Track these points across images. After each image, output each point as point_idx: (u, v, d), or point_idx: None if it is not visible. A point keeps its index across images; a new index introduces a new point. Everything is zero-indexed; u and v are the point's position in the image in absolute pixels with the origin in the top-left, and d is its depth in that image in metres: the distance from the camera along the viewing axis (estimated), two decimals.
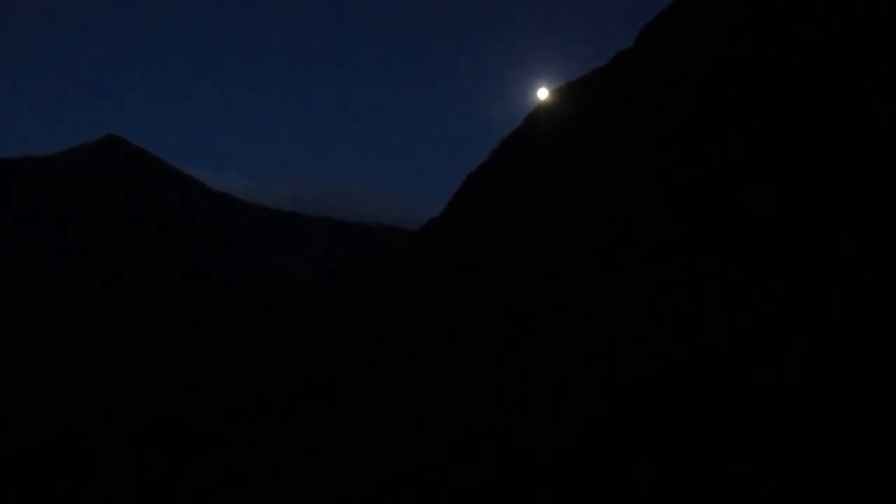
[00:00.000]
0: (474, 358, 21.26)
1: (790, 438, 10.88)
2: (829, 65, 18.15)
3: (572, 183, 25.74)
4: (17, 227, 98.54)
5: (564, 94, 35.31)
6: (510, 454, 14.97)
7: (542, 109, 36.39)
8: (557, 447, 13.99)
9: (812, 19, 19.96)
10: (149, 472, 29.26)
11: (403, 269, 34.67)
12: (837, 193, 14.85)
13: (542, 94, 37.27)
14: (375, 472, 18.56)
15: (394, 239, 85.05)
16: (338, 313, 37.34)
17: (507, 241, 26.22)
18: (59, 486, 32.78)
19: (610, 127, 26.78)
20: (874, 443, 10.01)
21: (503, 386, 18.36)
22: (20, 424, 44.49)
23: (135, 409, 43.16)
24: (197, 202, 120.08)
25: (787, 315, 13.12)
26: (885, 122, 15.32)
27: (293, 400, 27.71)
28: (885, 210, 13.51)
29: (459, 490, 15.03)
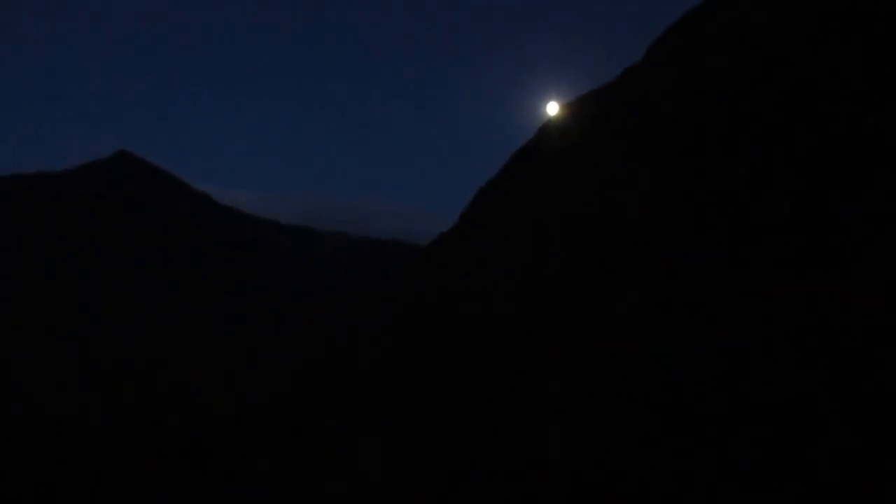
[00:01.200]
0: (487, 374, 21.18)
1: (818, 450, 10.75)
2: (842, 79, 18.08)
3: (583, 197, 25.68)
4: (30, 243, 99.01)
5: (575, 108, 35.28)
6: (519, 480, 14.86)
7: (552, 123, 36.37)
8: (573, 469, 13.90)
9: (826, 31, 19.90)
10: (159, 487, 29.28)
11: (413, 285, 34.62)
12: (851, 200, 14.75)
13: (553, 108, 37.26)
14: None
15: (405, 253, 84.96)
16: (349, 331, 37.31)
17: (518, 256, 26.15)
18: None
19: (621, 141, 26.73)
20: None
21: (520, 399, 18.28)
22: (32, 442, 44.56)
23: (144, 427, 43.19)
24: (208, 217, 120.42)
25: (804, 326, 13.01)
26: None
27: (301, 417, 27.67)
28: None
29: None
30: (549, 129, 36.03)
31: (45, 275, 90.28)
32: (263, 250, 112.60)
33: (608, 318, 18.24)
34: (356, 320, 38.64)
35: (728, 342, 13.87)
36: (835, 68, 18.61)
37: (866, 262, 13.12)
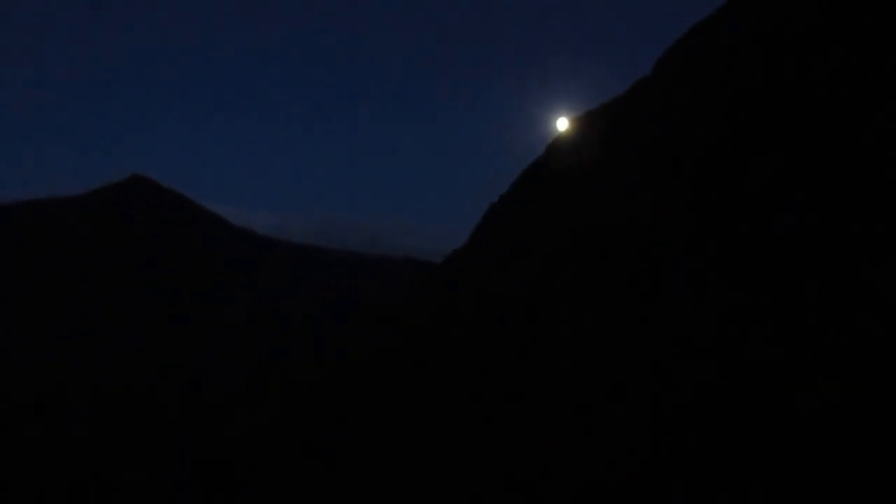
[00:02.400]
0: (496, 389, 20.92)
1: (830, 469, 10.43)
2: (858, 89, 17.84)
3: (595, 213, 25.47)
4: (44, 268, 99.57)
5: (584, 123, 35.15)
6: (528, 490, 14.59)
7: (562, 139, 36.26)
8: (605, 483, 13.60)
9: (838, 39, 19.68)
10: None
11: (424, 303, 34.43)
12: (868, 216, 14.46)
13: (562, 123, 37.14)
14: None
15: (417, 272, 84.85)
16: (361, 352, 37.14)
17: (529, 272, 25.92)
18: None
19: (632, 155, 26.54)
20: None
21: (532, 418, 18.01)
22: (45, 467, 44.48)
23: (165, 452, 43.06)
24: (222, 240, 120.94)
25: (819, 343, 12.70)
26: None
27: (313, 441, 27.45)
28: None
29: None
30: (558, 145, 35.91)
31: (58, 299, 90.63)
32: (276, 271, 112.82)
33: (620, 331, 17.95)
34: (368, 337, 38.45)
35: (746, 358, 13.56)
36: (848, 78, 18.37)
37: (887, 272, 12.81)
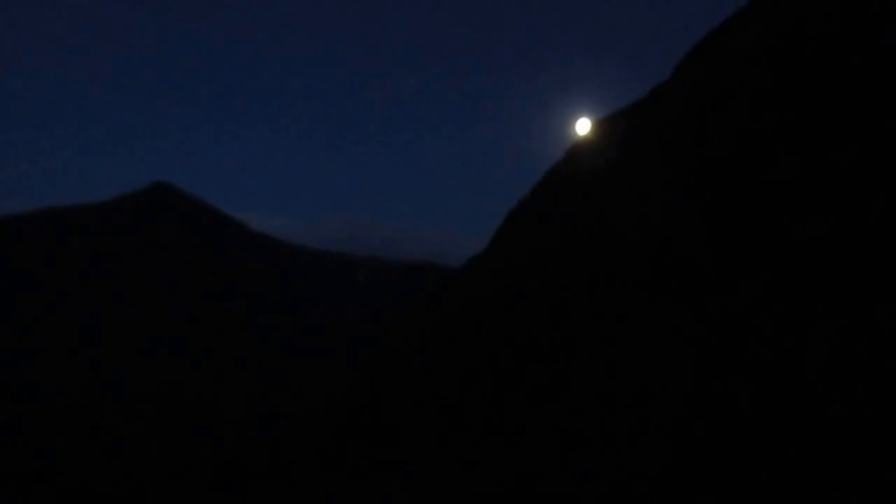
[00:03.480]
0: (519, 395, 20.79)
1: (860, 475, 10.24)
2: (882, 91, 17.58)
3: (616, 216, 25.30)
4: (68, 276, 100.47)
5: (605, 126, 34.97)
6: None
7: (582, 142, 36.09)
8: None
9: (860, 41, 19.42)
10: None
11: (442, 309, 34.35)
12: (892, 217, 14.22)
13: (582, 126, 36.96)
14: None
15: (437, 277, 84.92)
16: (386, 356, 37.11)
17: (550, 278, 25.78)
18: None
19: (653, 158, 26.35)
20: None
21: (555, 423, 17.86)
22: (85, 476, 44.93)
23: (195, 458, 43.31)
24: (245, 247, 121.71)
25: (842, 349, 12.50)
26: None
27: (344, 446, 27.42)
28: None
29: None
30: (579, 148, 35.74)
31: (81, 306, 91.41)
32: (296, 277, 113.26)
33: (646, 338, 17.78)
34: (390, 343, 38.42)
35: (772, 363, 13.37)
36: (871, 79, 18.12)
37: None
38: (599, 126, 35.77)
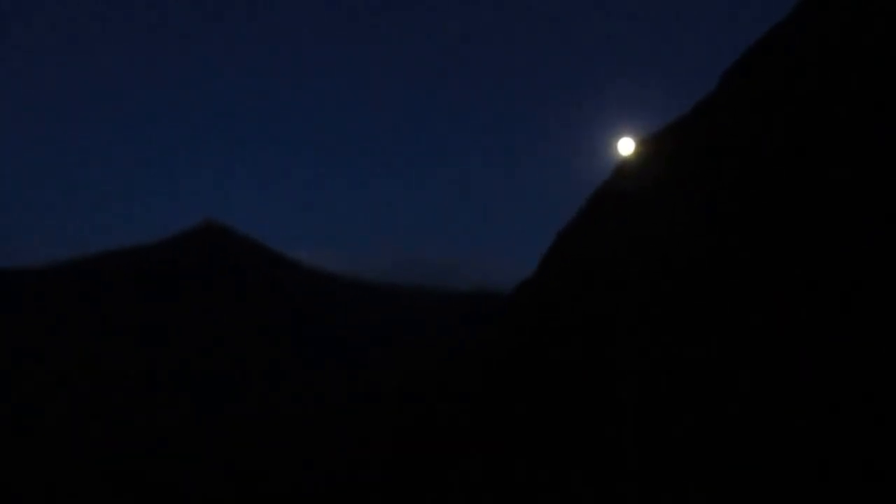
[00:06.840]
0: (581, 421, 20.50)
1: None
2: None
3: (664, 236, 24.94)
4: (121, 317, 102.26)
5: (651, 145, 34.60)
6: None
7: (628, 162, 35.73)
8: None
9: None
10: None
11: (498, 336, 34.15)
12: None
13: (625, 145, 36.55)
14: None
15: (489, 304, 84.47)
16: (437, 385, 36.97)
17: (599, 299, 25.47)
18: None
19: (700, 175, 25.96)
20: None
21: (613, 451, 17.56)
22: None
23: (249, 491, 43.51)
24: (295, 283, 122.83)
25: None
26: None
27: (391, 476, 27.33)
28: None
29: None
30: (625, 168, 35.41)
31: (135, 343, 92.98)
32: (344, 310, 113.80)
33: (703, 358, 17.42)
34: (443, 374, 38.26)
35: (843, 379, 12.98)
36: None
37: None
38: (644, 144, 35.39)
